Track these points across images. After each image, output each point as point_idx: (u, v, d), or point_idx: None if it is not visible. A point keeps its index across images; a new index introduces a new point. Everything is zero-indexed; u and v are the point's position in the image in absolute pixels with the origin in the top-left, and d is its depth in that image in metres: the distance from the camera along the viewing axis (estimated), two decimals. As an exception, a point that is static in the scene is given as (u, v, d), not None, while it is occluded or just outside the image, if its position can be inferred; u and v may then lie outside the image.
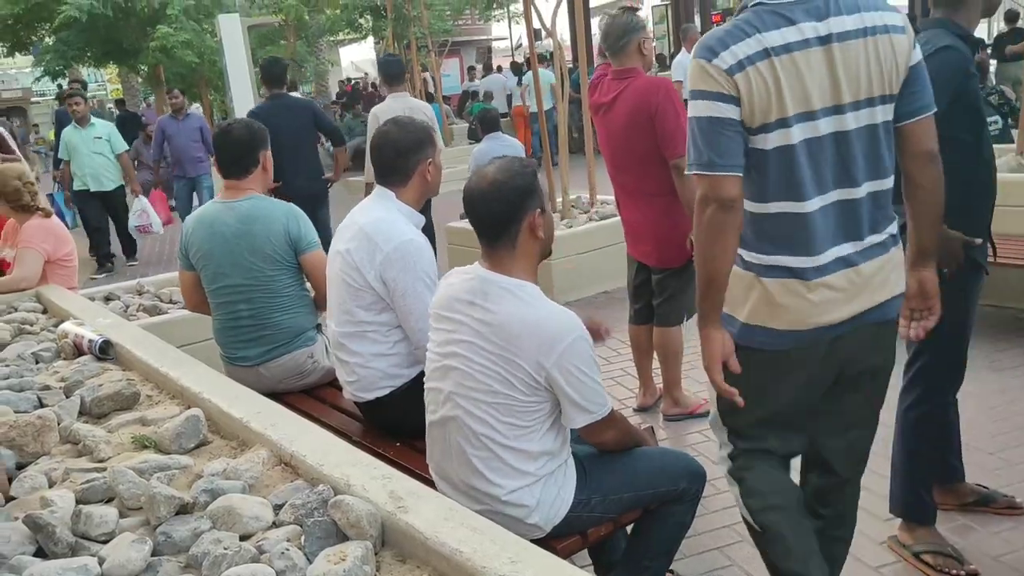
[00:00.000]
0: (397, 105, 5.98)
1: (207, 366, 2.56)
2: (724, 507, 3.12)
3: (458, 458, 2.09)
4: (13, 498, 1.90)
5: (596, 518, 2.16)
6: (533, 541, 2.02)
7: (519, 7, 13.77)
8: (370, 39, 23.44)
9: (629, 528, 2.42)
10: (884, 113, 1.94)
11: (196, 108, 10.41)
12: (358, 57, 33.78)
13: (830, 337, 2.03)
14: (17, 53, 18.23)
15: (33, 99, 31.86)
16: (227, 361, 3.20)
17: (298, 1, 17.00)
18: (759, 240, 2.02)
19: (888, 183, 2.00)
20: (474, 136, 13.97)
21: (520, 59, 19.89)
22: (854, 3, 1.90)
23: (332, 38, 23.41)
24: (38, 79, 18.30)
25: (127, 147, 9.02)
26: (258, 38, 17.97)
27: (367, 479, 1.70)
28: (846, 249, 1.98)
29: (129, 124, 15.21)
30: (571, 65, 12.42)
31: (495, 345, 2.00)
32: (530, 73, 12.53)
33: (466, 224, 6.77)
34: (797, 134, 1.90)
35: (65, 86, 21.08)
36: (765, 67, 1.86)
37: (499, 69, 18.92)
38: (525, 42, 7.87)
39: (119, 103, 18.02)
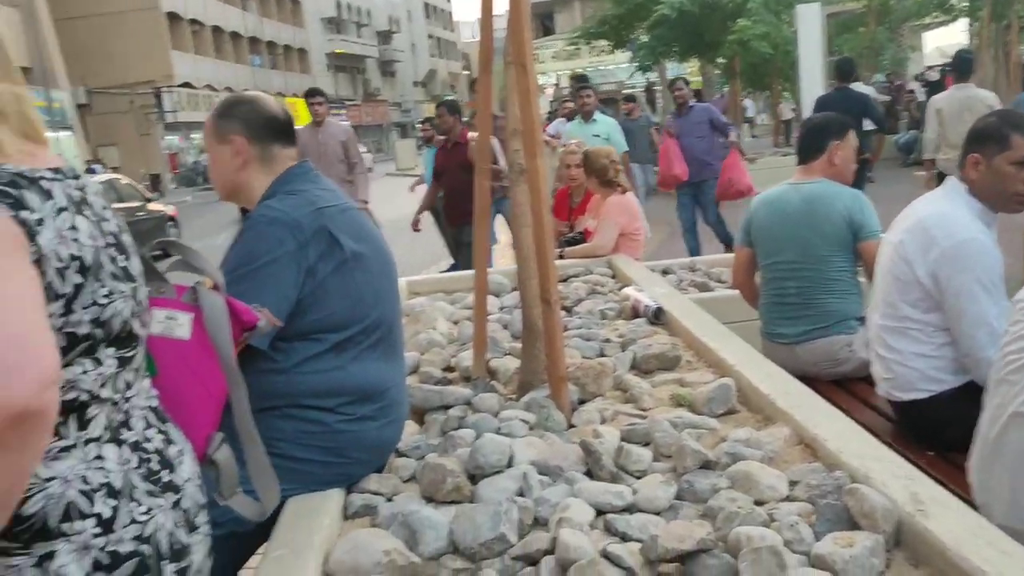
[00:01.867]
0: (957, 94, 6.58)
1: (744, 342, 2.71)
2: None
3: (1016, 464, 1.88)
4: (572, 426, 2.27)
5: None
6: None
7: None
8: (960, 22, 21.27)
9: None
10: None
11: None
12: (944, 42, 30.86)
13: None
14: (617, 50, 20.68)
15: (624, 92, 35.89)
16: (766, 337, 3.32)
17: (884, -15, 16.26)
18: None
19: None
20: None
21: None
22: None
23: (917, 22, 21.81)
24: (631, 75, 20.50)
25: (626, 147, 7.76)
26: (836, 26, 17.63)
27: (888, 476, 1.65)
28: None
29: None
30: None
31: None
32: None
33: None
34: None
35: (653, 79, 23.18)
36: None
37: None
38: None
39: (696, 93, 19.18)
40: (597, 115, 7.80)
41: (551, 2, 35.43)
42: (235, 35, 41.44)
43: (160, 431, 1.29)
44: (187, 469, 1.32)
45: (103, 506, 1.15)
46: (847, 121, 3.34)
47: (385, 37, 61.92)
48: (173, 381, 1.39)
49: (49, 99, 23.89)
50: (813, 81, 10.69)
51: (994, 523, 1.53)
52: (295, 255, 1.84)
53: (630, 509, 1.76)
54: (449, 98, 7.17)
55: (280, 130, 2.03)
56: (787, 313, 3.20)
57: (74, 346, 1.13)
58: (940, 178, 5.97)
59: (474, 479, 1.92)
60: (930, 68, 23.18)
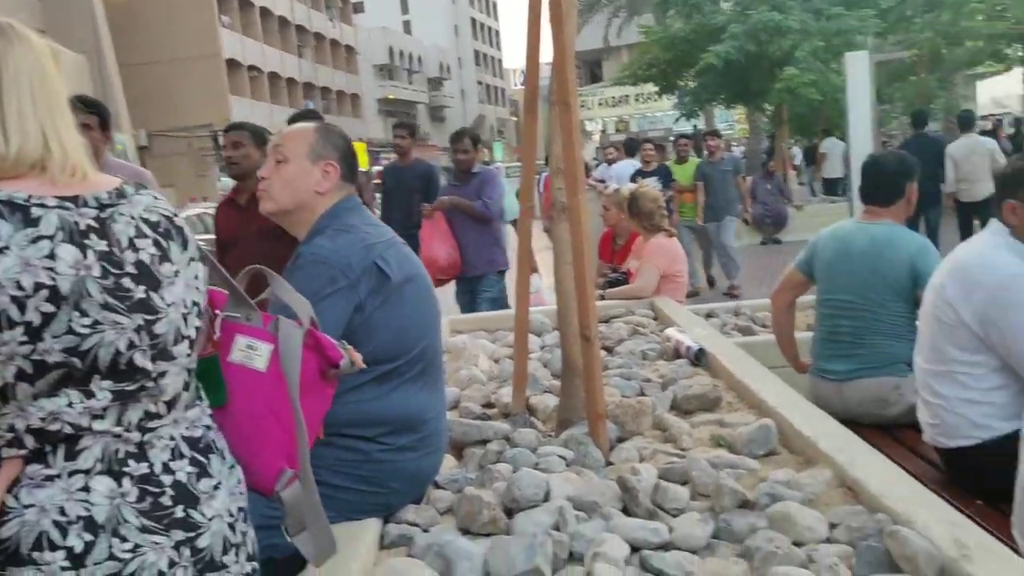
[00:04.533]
0: (966, 142, 8.71)
1: (785, 384, 2.68)
2: None
3: None
4: (611, 463, 2.27)
5: None
6: None
7: None
8: (1015, 71, 21.01)
9: None
10: None
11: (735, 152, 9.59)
12: (1000, 92, 30.44)
13: None
14: (664, 95, 20.80)
15: (670, 138, 36.05)
16: (814, 373, 3.28)
17: (935, 34, 16.13)
18: None
19: None
20: None
21: None
22: None
23: (970, 72, 21.59)
24: (676, 120, 20.57)
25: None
26: (886, 74, 17.52)
27: (932, 520, 1.63)
28: None
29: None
30: None
31: None
32: None
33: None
34: None
35: (700, 127, 23.20)
36: None
37: None
38: None
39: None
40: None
41: (599, 50, 35.85)
42: (291, 80, 42.57)
43: (194, 462, 1.27)
44: (218, 504, 1.28)
45: (76, 539, 1.14)
46: (916, 161, 3.31)
47: (436, 84, 63.11)
48: (245, 412, 1.38)
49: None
50: (862, 128, 10.61)
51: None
52: (345, 293, 1.88)
53: (666, 547, 1.75)
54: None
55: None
56: (839, 350, 3.16)
57: (43, 374, 1.14)
58: (959, 205, 8.87)
59: (510, 512, 1.93)
60: (983, 118, 22.89)
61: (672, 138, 19.16)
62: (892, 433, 3.02)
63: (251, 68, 38.23)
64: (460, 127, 7.56)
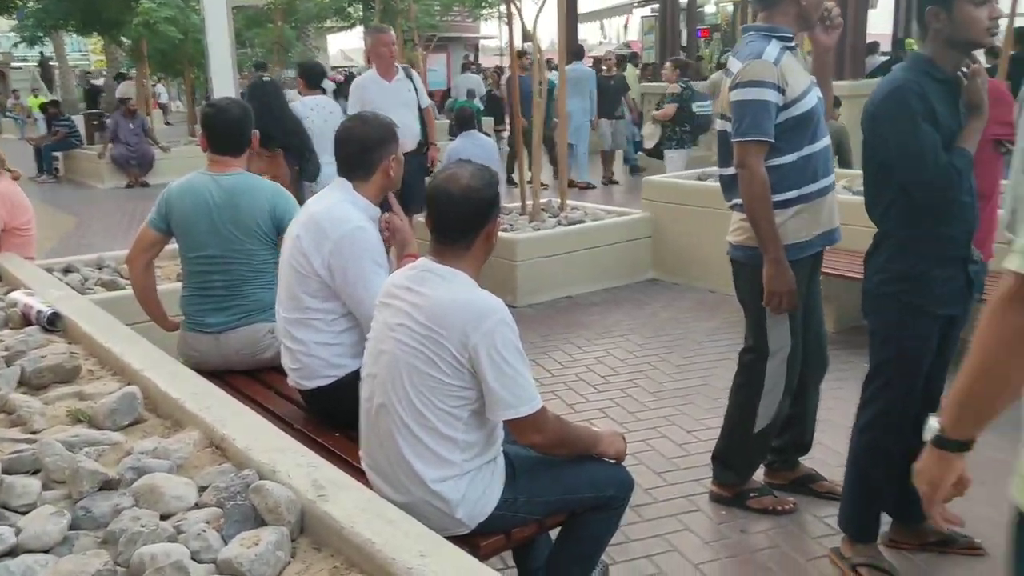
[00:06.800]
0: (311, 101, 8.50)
1: (151, 344, 2.57)
2: (657, 516, 3.17)
3: (387, 445, 2.11)
4: (-60, 464, 1.90)
5: (520, 518, 2.19)
6: (458, 537, 2.07)
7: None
8: (359, 28, 23.34)
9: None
10: None
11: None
12: (348, 46, 33.56)
13: None
14: (1, 16, 18.01)
15: (14, 64, 31.42)
16: (189, 328, 3.24)
17: (288, -16, 16.94)
18: None
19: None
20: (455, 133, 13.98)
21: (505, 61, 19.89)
22: None
23: (320, 25, 23.27)
24: (16, 44, 18.04)
25: None
26: (244, 19, 17.86)
27: (292, 466, 1.72)
28: None
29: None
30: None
31: (423, 326, 2.03)
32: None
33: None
34: None
35: (47, 53, 20.74)
36: None
37: (467, 68, 19.04)
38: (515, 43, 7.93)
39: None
40: None
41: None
42: None
43: None
44: None
45: None
46: (250, 110, 3.39)
47: None
48: None
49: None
50: (224, 71, 10.67)
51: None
52: None
53: (14, 552, 1.53)
54: None
55: None
56: (212, 304, 3.18)
57: None
58: None
59: None
60: (335, 69, 24.99)
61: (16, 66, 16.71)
62: (261, 379, 3.15)
63: None
64: None
